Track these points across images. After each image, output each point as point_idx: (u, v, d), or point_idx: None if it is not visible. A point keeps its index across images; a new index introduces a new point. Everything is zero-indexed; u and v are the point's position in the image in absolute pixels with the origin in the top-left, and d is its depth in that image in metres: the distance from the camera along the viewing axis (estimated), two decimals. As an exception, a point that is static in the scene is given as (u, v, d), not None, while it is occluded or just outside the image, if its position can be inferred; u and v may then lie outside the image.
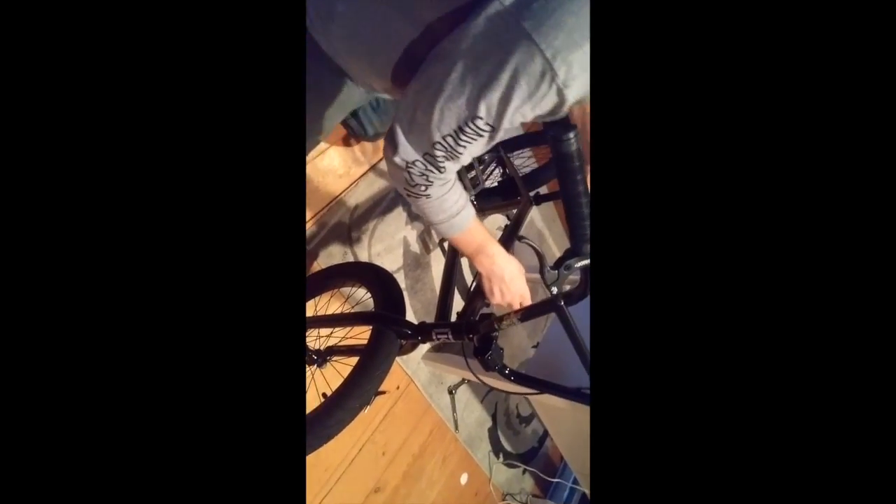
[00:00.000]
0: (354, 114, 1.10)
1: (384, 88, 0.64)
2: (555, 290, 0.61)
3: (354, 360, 0.84)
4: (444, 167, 0.55)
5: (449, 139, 0.51)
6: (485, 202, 1.22)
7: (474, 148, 0.53)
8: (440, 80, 0.47)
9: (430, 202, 0.60)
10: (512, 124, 0.50)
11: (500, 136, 0.52)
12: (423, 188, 0.58)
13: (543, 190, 1.22)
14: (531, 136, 1.47)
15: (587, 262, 0.56)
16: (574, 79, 0.44)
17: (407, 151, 0.54)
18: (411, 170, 0.55)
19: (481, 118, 0.48)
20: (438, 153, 0.53)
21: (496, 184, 1.28)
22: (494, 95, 0.45)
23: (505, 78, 0.44)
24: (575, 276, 0.60)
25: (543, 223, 1.91)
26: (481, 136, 0.50)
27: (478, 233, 0.69)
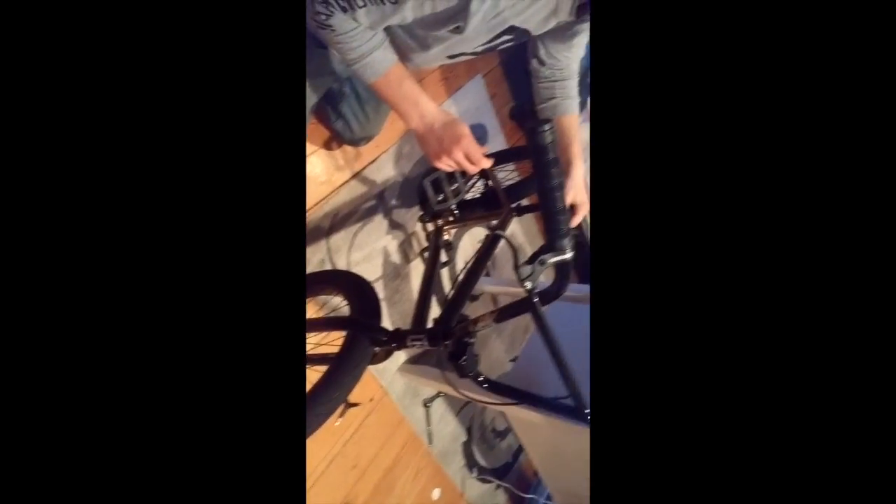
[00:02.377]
0: (340, 113, 1.09)
1: None
2: (529, 285, 0.60)
3: (325, 367, 0.82)
4: (342, 7, 0.59)
5: None
6: (467, 212, 1.23)
7: (372, 11, 0.58)
8: None
9: (336, 36, 0.62)
10: (417, 9, 0.55)
11: (405, 16, 0.58)
12: (323, 17, 0.60)
13: (525, 203, 1.23)
14: (515, 151, 1.49)
15: (561, 257, 0.56)
16: None
17: None
18: None
19: None
20: None
21: (479, 195, 1.29)
22: None
23: None
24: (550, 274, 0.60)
25: (525, 238, 1.92)
26: (381, 1, 0.56)
27: (402, 79, 0.68)
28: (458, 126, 0.70)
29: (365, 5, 0.58)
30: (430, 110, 0.70)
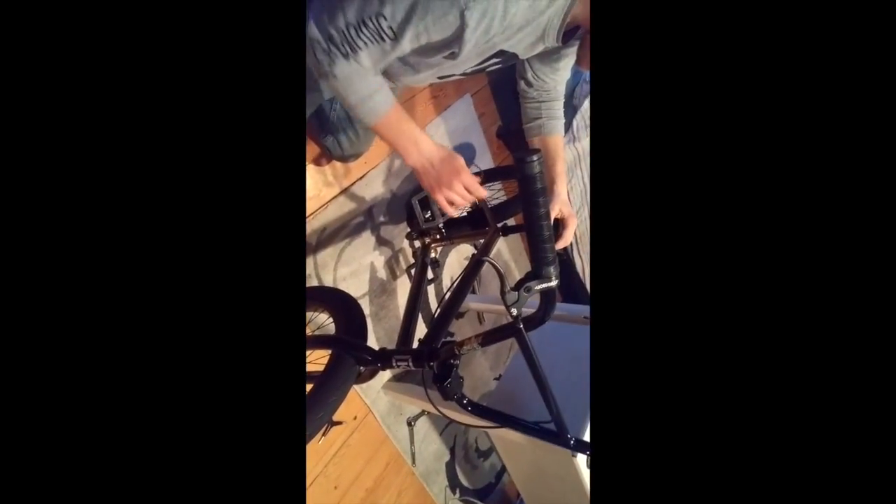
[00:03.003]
0: (329, 130, 1.10)
1: None
2: (514, 311, 0.61)
3: (310, 386, 0.81)
4: (344, 53, 0.60)
5: (351, 30, 0.56)
6: (454, 231, 1.24)
7: (373, 51, 0.59)
8: None
9: (337, 82, 0.63)
10: (414, 41, 0.55)
11: (404, 49, 0.59)
12: (325, 64, 0.62)
13: (511, 222, 1.25)
14: (502, 170, 1.52)
15: (547, 284, 0.57)
16: (476, 2, 0.49)
17: (312, 29, 0.59)
18: (315, 46, 0.60)
19: (385, 18, 0.52)
20: (337, 39, 0.58)
21: (465, 213, 1.30)
22: (403, 1, 0.50)
23: None
24: (535, 301, 0.61)
25: (510, 255, 1.94)
26: (382, 39, 0.56)
27: (401, 120, 0.70)
28: (456, 160, 0.74)
29: (366, 45, 0.59)
30: (428, 147, 0.72)
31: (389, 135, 0.71)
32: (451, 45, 0.60)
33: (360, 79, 0.64)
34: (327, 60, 0.61)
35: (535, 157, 0.51)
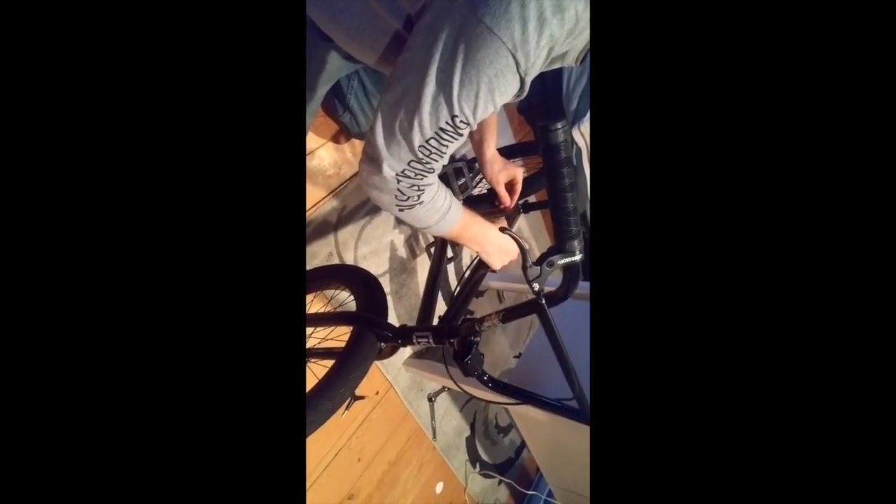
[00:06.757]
0: (347, 106, 1.09)
1: (371, 63, 0.65)
2: (536, 286, 0.60)
3: (331, 363, 0.82)
4: (431, 168, 0.56)
5: (432, 142, 0.52)
6: (474, 209, 1.22)
7: (455, 145, 0.55)
8: (416, 89, 0.49)
9: (425, 207, 0.61)
10: (484, 116, 0.53)
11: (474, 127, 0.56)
12: (415, 197, 0.58)
13: (532, 199, 1.23)
14: (523, 146, 1.48)
15: (570, 259, 0.55)
16: (532, 65, 0.48)
17: (392, 163, 0.54)
18: (401, 182, 0.56)
19: (458, 116, 0.50)
20: (423, 157, 0.54)
21: (485, 191, 1.28)
22: (468, 93, 0.48)
23: (476, 76, 0.47)
24: (556, 280, 0.60)
25: (530, 233, 1.92)
26: (461, 133, 0.53)
27: (471, 224, 0.71)
28: (511, 244, 0.76)
29: (448, 149, 0.54)
30: (493, 240, 0.74)
31: (464, 237, 0.71)
32: (510, 100, 0.57)
33: (439, 195, 0.62)
34: (416, 189, 0.57)
35: (559, 125, 0.49)
